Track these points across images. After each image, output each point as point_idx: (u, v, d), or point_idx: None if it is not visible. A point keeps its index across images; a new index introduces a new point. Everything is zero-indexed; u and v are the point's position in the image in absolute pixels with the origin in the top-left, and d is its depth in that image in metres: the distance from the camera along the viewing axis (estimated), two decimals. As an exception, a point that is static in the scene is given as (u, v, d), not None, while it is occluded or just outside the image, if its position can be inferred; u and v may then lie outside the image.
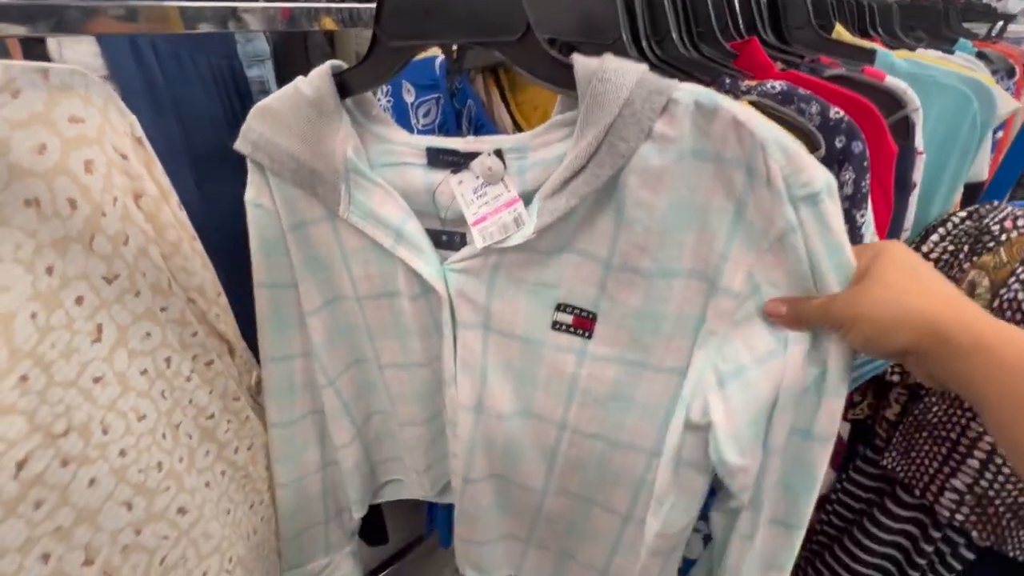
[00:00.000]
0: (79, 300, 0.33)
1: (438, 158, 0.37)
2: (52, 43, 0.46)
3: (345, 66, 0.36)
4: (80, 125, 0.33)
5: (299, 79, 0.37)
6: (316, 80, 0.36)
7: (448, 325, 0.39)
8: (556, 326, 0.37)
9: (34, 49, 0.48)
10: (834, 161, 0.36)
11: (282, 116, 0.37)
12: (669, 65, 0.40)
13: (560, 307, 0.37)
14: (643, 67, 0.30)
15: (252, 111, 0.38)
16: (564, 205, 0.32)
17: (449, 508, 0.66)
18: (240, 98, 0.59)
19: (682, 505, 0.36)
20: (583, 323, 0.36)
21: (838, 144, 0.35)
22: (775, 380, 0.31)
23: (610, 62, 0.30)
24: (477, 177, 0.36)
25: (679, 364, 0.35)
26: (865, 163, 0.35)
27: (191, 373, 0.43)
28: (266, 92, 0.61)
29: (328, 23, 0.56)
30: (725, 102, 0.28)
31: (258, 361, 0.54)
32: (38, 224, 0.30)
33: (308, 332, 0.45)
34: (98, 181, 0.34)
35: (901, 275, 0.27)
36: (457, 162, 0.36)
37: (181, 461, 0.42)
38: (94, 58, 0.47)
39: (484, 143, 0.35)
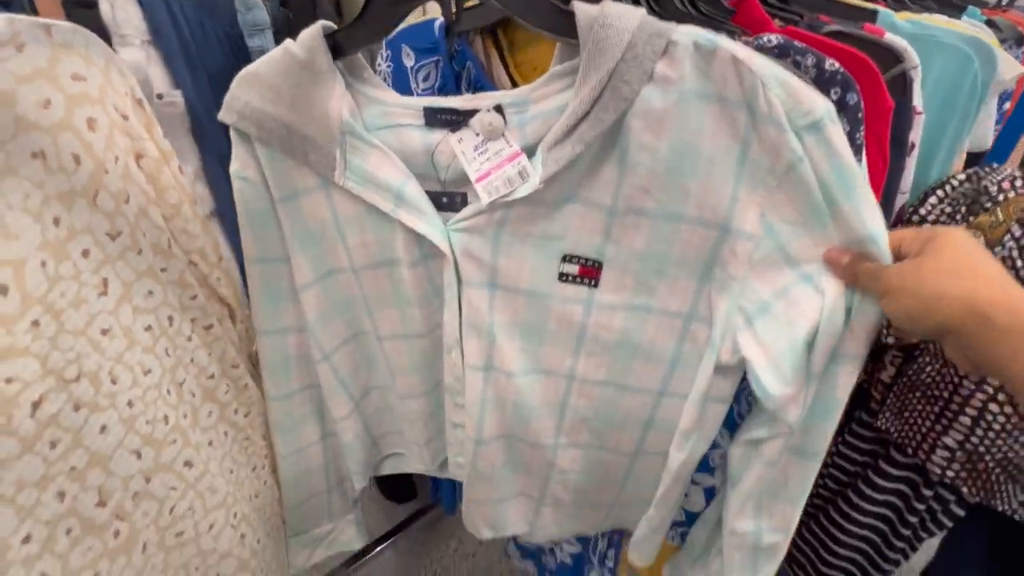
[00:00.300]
0: (85, 253, 0.35)
1: (436, 117, 0.37)
2: (104, 5, 0.47)
3: (334, 26, 0.37)
4: (82, 83, 0.35)
5: (288, 42, 0.37)
6: (307, 41, 0.35)
7: (452, 287, 0.40)
8: (563, 277, 0.38)
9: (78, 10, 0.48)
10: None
11: (270, 81, 0.36)
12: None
13: (566, 258, 0.38)
14: (642, 11, 0.31)
15: (237, 78, 0.38)
16: (570, 152, 0.32)
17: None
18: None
19: (706, 436, 0.39)
20: (589, 272, 0.37)
21: (833, 96, 0.36)
22: (801, 310, 0.32)
23: (610, 7, 0.31)
24: (477, 134, 0.36)
25: (683, 308, 0.37)
26: (860, 115, 0.36)
27: (191, 334, 0.45)
28: None
29: None
30: (724, 42, 0.29)
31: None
32: (45, 176, 0.32)
33: (301, 307, 0.46)
34: (100, 139, 0.36)
35: (953, 256, 0.28)
36: (456, 120, 0.37)
37: (186, 417, 0.44)
38: (140, 21, 0.48)
39: (483, 99, 0.36)
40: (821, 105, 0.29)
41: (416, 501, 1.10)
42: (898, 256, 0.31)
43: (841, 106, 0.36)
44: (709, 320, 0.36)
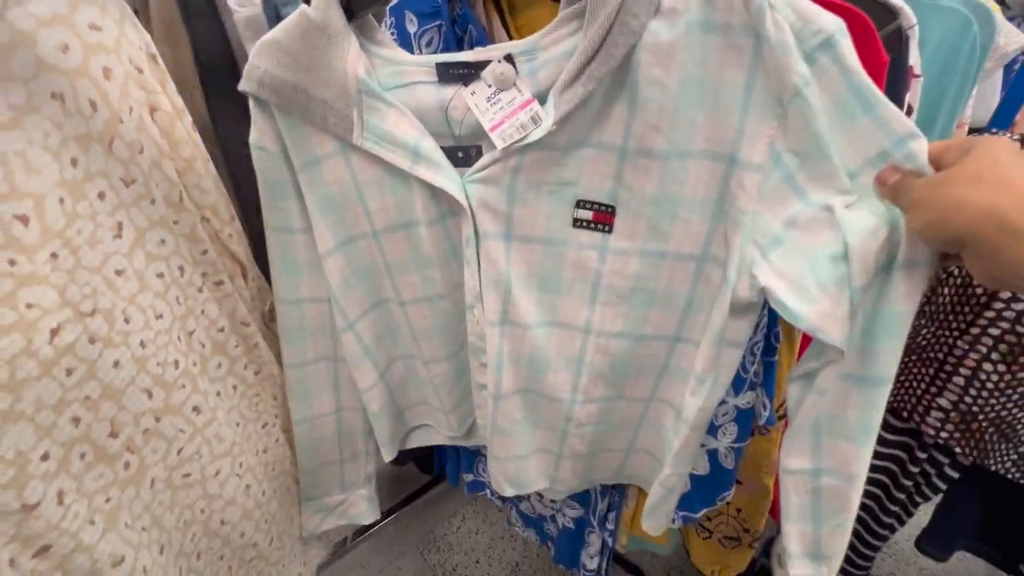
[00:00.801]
0: (101, 195, 0.36)
1: (448, 72, 0.37)
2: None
3: None
4: (98, 33, 0.36)
5: (303, 6, 0.37)
6: (321, 3, 0.36)
7: (471, 242, 0.40)
8: (577, 223, 0.38)
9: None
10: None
11: (288, 47, 0.37)
12: None
13: (580, 204, 0.38)
14: None
15: (256, 47, 0.38)
16: (581, 91, 0.33)
17: (457, 448, 0.69)
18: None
19: (722, 381, 0.39)
20: (603, 217, 0.38)
21: None
22: (816, 235, 0.31)
23: None
24: (489, 85, 0.36)
25: (696, 250, 0.37)
26: None
27: (202, 286, 0.46)
28: None
29: None
30: None
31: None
32: (63, 118, 0.33)
33: (319, 277, 0.46)
34: (115, 89, 0.37)
35: (982, 165, 0.26)
36: (468, 73, 0.37)
37: (195, 365, 0.45)
38: None
39: (494, 51, 0.36)
40: (831, 22, 0.29)
41: (419, 476, 1.12)
42: (938, 167, 0.29)
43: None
44: (722, 262, 0.37)
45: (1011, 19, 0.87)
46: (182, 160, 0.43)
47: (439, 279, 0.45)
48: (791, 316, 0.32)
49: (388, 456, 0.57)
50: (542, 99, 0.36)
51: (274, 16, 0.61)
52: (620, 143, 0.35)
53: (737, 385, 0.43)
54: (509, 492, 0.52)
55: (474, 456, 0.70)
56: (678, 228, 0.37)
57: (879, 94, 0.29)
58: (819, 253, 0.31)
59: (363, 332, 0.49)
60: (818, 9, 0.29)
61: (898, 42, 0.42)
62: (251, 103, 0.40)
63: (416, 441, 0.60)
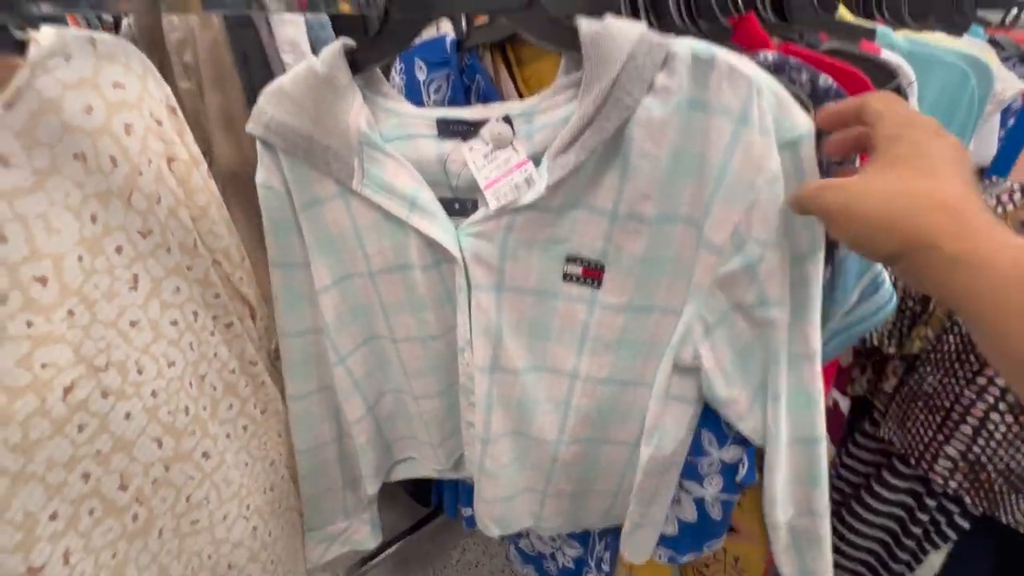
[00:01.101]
0: (119, 249, 0.36)
1: (448, 128, 0.39)
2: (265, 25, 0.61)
3: (354, 43, 0.38)
4: (122, 91, 0.37)
5: (310, 58, 0.39)
6: (328, 58, 0.37)
7: (463, 291, 0.41)
8: (567, 277, 0.40)
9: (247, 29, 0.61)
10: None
11: (295, 96, 0.38)
12: None
13: (570, 259, 0.39)
14: (642, 25, 0.32)
15: (263, 93, 0.40)
16: (574, 159, 0.34)
17: (455, 481, 0.69)
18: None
19: (671, 434, 0.40)
20: (592, 273, 0.39)
21: None
22: (755, 324, 0.34)
23: (612, 22, 0.32)
24: (487, 143, 0.37)
25: (681, 304, 0.38)
26: None
27: (214, 329, 0.46)
28: None
29: (344, 7, 0.59)
30: (721, 52, 0.31)
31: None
32: (85, 176, 0.34)
33: (319, 310, 0.47)
34: (136, 143, 0.38)
35: (902, 170, 0.25)
36: (467, 130, 0.38)
37: (205, 409, 0.45)
38: (301, 36, 0.62)
39: (492, 110, 0.38)
40: (804, 123, 0.30)
41: (419, 510, 1.10)
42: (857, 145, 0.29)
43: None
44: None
45: (1006, 59, 0.89)
46: (197, 207, 0.44)
47: (432, 321, 0.46)
48: (715, 402, 0.36)
49: (372, 488, 0.58)
50: (537, 160, 0.37)
51: None
52: (611, 207, 0.36)
53: (720, 439, 0.43)
54: (495, 533, 0.52)
55: (472, 490, 0.69)
56: (664, 285, 0.38)
57: None
58: (746, 341, 0.34)
59: (354, 367, 0.50)
60: (798, 107, 0.30)
61: (898, 100, 0.42)
62: (258, 144, 0.42)
63: (402, 474, 0.60)
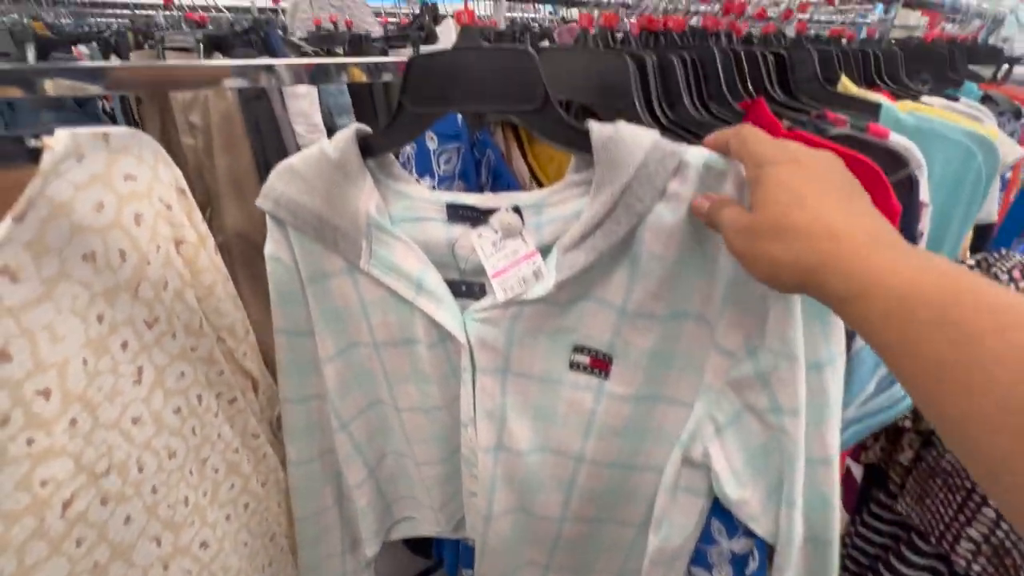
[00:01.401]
0: (124, 345, 0.35)
1: (457, 213, 0.39)
2: (278, 99, 0.65)
3: (369, 129, 0.39)
4: (133, 182, 0.36)
5: (324, 141, 0.38)
6: (341, 143, 0.38)
7: (468, 371, 0.41)
8: (574, 366, 0.39)
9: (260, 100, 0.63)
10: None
11: (307, 176, 0.38)
12: (680, 127, 0.42)
13: (577, 348, 0.38)
14: (655, 132, 0.32)
15: (275, 171, 0.40)
16: (583, 260, 0.34)
17: (456, 540, 0.67)
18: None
19: (679, 524, 0.39)
20: (599, 364, 0.38)
21: None
22: (767, 427, 0.33)
23: (624, 128, 0.32)
24: (496, 231, 0.37)
25: (691, 398, 0.37)
26: None
27: (217, 410, 0.45)
28: None
29: (356, 74, 0.60)
30: (734, 163, 0.30)
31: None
32: (93, 276, 0.33)
33: (322, 378, 0.47)
34: (145, 232, 0.37)
35: (779, 211, 0.24)
36: (476, 217, 0.38)
37: (205, 495, 0.44)
38: (313, 108, 0.65)
39: (502, 199, 0.37)
40: None
41: (419, 562, 1.07)
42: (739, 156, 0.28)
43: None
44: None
45: (1000, 114, 0.91)
46: (203, 287, 0.43)
47: (436, 393, 0.46)
48: (725, 501, 0.34)
49: (371, 550, 0.56)
50: (545, 251, 0.36)
51: (331, 126, 0.66)
52: (620, 303, 0.36)
53: (730, 529, 0.41)
54: None
55: (473, 551, 0.67)
56: (674, 377, 0.37)
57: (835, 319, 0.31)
58: (759, 443, 0.33)
59: (356, 432, 0.50)
60: None
61: (908, 186, 0.42)
62: (268, 219, 0.42)
63: (401, 533, 0.59)
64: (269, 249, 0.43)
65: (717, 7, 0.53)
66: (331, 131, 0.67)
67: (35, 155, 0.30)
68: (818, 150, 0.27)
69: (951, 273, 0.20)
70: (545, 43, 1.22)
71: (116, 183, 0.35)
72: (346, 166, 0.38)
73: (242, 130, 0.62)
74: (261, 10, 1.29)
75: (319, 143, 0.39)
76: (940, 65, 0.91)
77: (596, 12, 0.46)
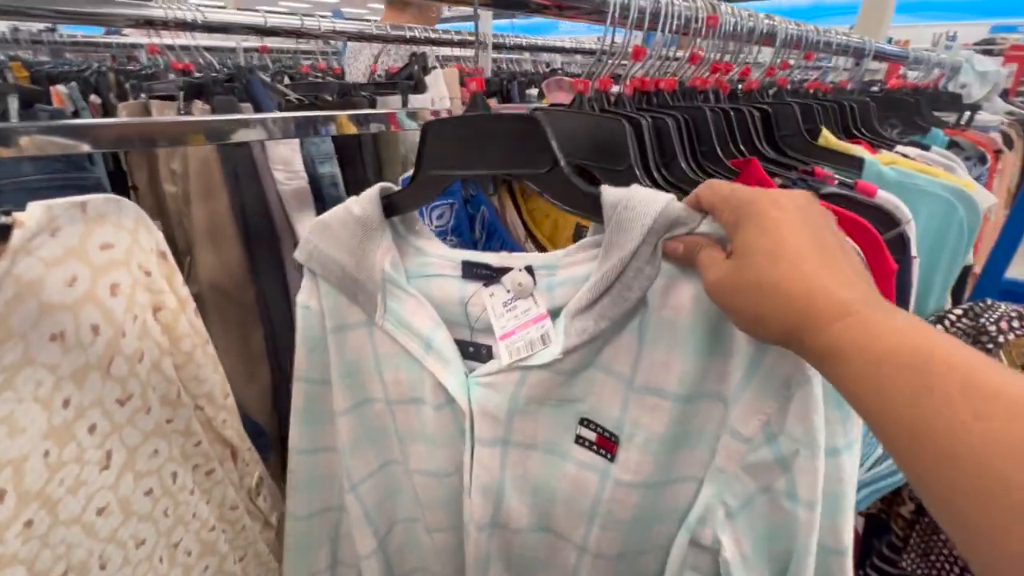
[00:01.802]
0: (92, 428, 0.32)
1: (472, 271, 0.39)
2: (257, 145, 0.62)
3: (394, 188, 0.40)
4: (110, 251, 0.34)
5: (351, 199, 0.40)
6: (365, 202, 0.39)
7: (468, 438, 0.39)
8: (579, 441, 0.37)
9: (240, 147, 0.61)
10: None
11: (334, 230, 0.40)
12: (676, 187, 0.42)
13: (584, 422, 0.37)
14: (669, 196, 0.30)
15: (311, 226, 0.41)
16: (593, 328, 0.32)
17: None
18: (319, 191, 0.68)
19: None
20: (606, 444, 0.36)
21: None
22: (781, 512, 0.31)
23: (637, 192, 0.31)
24: (508, 291, 0.37)
25: (700, 473, 0.35)
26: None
27: (193, 486, 0.42)
28: (336, 185, 0.68)
29: (345, 125, 0.59)
30: None
31: (261, 459, 0.52)
32: (61, 357, 0.30)
33: (336, 431, 0.45)
34: (121, 302, 0.35)
35: (751, 257, 0.24)
36: (490, 275, 0.38)
37: (176, 583, 0.40)
38: (294, 155, 0.63)
39: (516, 259, 0.37)
40: None
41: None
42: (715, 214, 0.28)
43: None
44: None
45: (967, 159, 0.95)
46: (182, 354, 0.41)
47: (444, 457, 0.43)
48: None
49: None
50: (555, 314, 0.35)
51: (312, 173, 0.65)
52: (628, 373, 0.34)
53: None
54: None
55: None
56: (685, 458, 0.35)
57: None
58: (769, 526, 0.32)
59: (365, 495, 0.47)
60: None
61: (901, 244, 0.43)
62: (305, 270, 0.43)
63: None
64: (301, 297, 0.43)
65: (704, 70, 0.54)
66: (312, 178, 0.64)
67: (5, 232, 0.28)
68: (794, 191, 0.27)
69: (929, 338, 0.20)
70: (533, 91, 1.25)
71: (92, 254, 0.33)
72: (367, 222, 0.39)
73: (220, 177, 0.60)
74: (247, 51, 1.29)
75: (347, 201, 0.40)
76: (908, 112, 0.96)
77: (592, 79, 0.46)
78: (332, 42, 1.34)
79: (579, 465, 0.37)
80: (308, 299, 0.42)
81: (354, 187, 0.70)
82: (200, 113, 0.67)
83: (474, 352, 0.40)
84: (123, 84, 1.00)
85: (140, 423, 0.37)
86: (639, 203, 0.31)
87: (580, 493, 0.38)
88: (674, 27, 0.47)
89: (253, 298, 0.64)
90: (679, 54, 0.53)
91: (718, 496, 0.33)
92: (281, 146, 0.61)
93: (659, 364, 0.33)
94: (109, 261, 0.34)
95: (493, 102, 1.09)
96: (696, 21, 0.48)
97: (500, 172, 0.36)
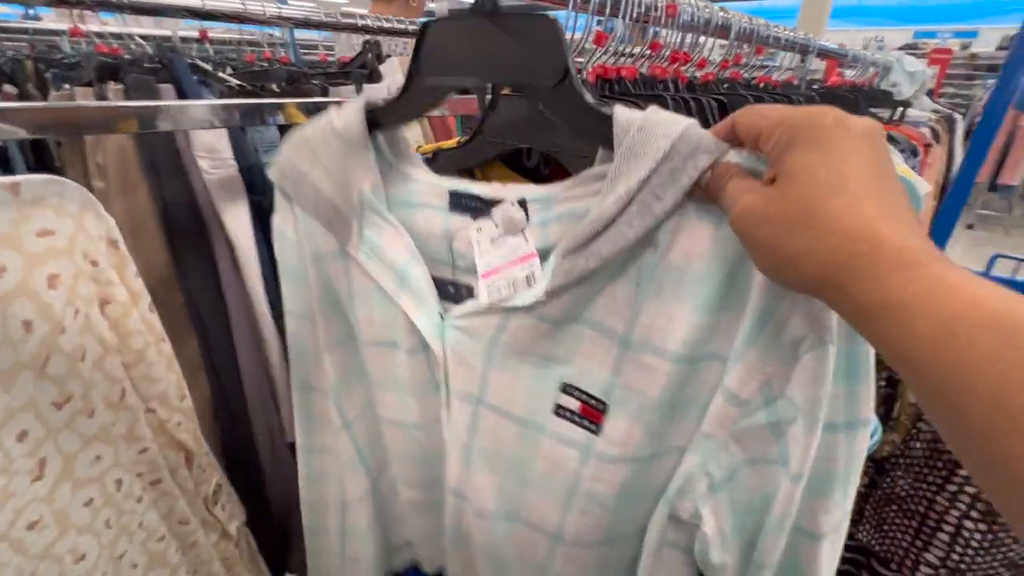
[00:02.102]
0: (21, 436, 0.29)
1: (460, 202, 0.34)
2: (181, 132, 0.54)
3: (380, 101, 0.35)
4: (49, 238, 0.31)
5: (333, 109, 0.35)
6: (347, 113, 0.34)
7: (443, 388, 0.35)
8: (559, 411, 0.33)
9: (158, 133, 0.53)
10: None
11: (312, 145, 0.35)
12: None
13: (566, 388, 0.32)
14: (691, 121, 0.25)
15: (288, 139, 0.36)
16: (582, 266, 0.28)
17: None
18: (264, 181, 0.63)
19: None
20: (591, 413, 0.32)
21: None
22: (766, 484, 0.29)
23: (656, 114, 0.26)
24: (496, 226, 0.32)
25: (685, 443, 0.31)
26: None
27: (141, 494, 0.38)
28: None
29: (294, 114, 0.54)
30: None
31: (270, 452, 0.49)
32: (-15, 356, 0.27)
33: (324, 368, 0.41)
34: (61, 295, 0.32)
35: (804, 184, 0.20)
36: (478, 208, 0.33)
37: (123, 601, 0.36)
38: (221, 142, 0.56)
39: (509, 191, 0.32)
40: None
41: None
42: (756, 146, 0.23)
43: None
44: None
45: (902, 151, 1.01)
46: (132, 352, 0.37)
47: (415, 407, 0.39)
48: (705, 565, 0.31)
49: None
50: (546, 255, 0.31)
51: (246, 167, 0.59)
52: (622, 330, 0.29)
53: None
54: None
55: None
56: (675, 427, 0.31)
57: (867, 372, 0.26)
58: (751, 503, 0.29)
59: (359, 433, 0.44)
60: None
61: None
62: (276, 190, 0.38)
63: (403, 561, 0.51)
64: (276, 222, 0.39)
65: (663, 59, 0.55)
66: (256, 167, 0.58)
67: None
68: (862, 117, 0.22)
69: (1010, 300, 0.17)
70: None
71: (26, 242, 0.30)
72: (348, 137, 0.34)
73: (138, 169, 0.54)
74: (185, 40, 1.19)
75: (329, 110, 0.35)
76: (848, 107, 1.02)
77: None
78: (280, 32, 1.25)
79: (557, 440, 0.33)
80: (282, 224, 0.38)
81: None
82: (113, 95, 0.59)
83: (454, 293, 0.35)
84: (43, 73, 0.86)
85: (81, 427, 0.33)
86: (655, 125, 0.26)
87: (557, 474, 0.34)
88: (635, 15, 0.46)
89: (182, 301, 0.56)
90: (636, 50, 0.54)
91: (702, 466, 0.30)
92: (204, 132, 0.54)
93: (660, 318, 0.28)
94: (48, 250, 0.31)
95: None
96: (656, 9, 0.48)
97: (502, 80, 0.32)
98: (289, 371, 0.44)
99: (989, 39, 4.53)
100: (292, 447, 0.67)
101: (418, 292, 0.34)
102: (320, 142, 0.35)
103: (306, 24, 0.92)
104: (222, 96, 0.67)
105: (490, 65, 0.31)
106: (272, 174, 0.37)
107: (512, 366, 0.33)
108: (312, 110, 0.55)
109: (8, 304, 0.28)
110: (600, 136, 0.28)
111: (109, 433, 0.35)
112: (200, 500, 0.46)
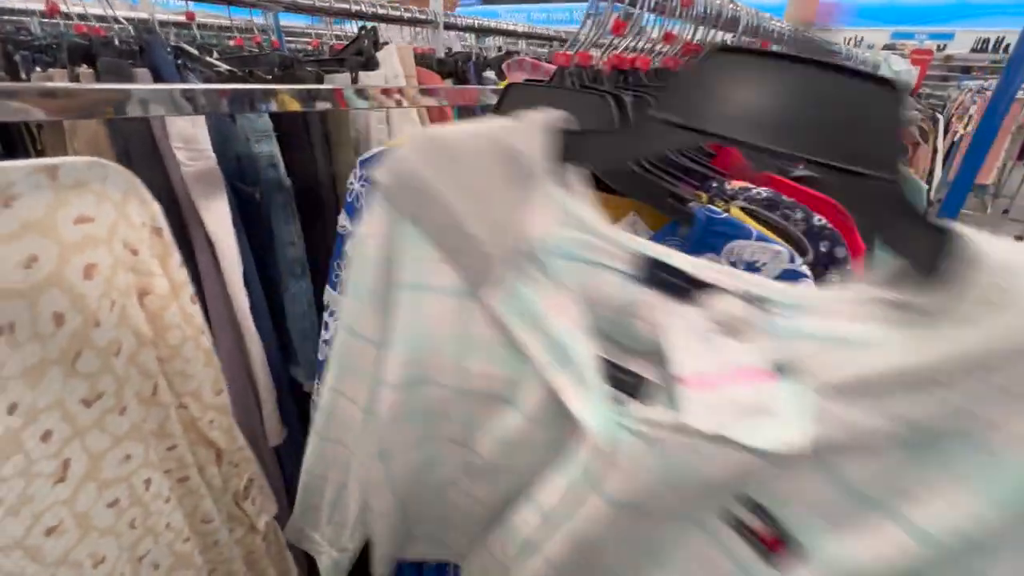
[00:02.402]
0: (46, 436, 0.27)
1: (655, 275, 0.26)
2: (157, 120, 0.49)
3: (572, 122, 0.27)
4: (88, 225, 0.28)
5: (501, 123, 0.27)
6: (525, 131, 0.26)
7: (583, 482, 0.27)
8: (728, 519, 0.24)
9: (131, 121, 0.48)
10: (819, 264, 0.34)
11: (458, 155, 0.27)
12: (662, 168, 0.37)
13: (746, 501, 0.24)
14: None
15: (419, 142, 0.28)
16: (866, 423, 0.20)
17: (419, 564, 0.54)
18: (256, 172, 0.58)
19: None
20: (772, 543, 0.23)
21: (822, 249, 0.33)
22: None
23: (1011, 252, 0.19)
24: (711, 320, 0.24)
25: None
26: (848, 267, 0.33)
27: (169, 494, 0.36)
28: (275, 166, 0.57)
29: (288, 102, 0.49)
30: None
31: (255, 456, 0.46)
32: (8, 354, 0.24)
33: (366, 385, 0.35)
34: (98, 286, 0.29)
35: None
36: (680, 288, 0.25)
37: (140, 603, 0.34)
38: (200, 132, 0.51)
39: (730, 277, 0.24)
40: None
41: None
42: None
43: (831, 259, 0.33)
44: None
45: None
46: (168, 347, 0.35)
47: (505, 474, 0.32)
48: None
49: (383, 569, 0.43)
50: (782, 370, 0.22)
51: (235, 157, 0.55)
52: (859, 483, 0.21)
53: None
54: None
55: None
56: None
57: None
58: None
59: (393, 466, 0.36)
60: None
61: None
62: (379, 195, 0.29)
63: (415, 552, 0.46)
64: (363, 234, 0.31)
65: (679, 48, 0.54)
66: (247, 157, 0.53)
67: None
68: None
69: None
70: (490, 74, 1.09)
71: (62, 229, 0.27)
72: (522, 163, 0.26)
73: (111, 158, 0.49)
74: (163, 23, 1.02)
75: (494, 121, 0.27)
76: None
77: (572, 52, 0.43)
78: (262, 17, 1.17)
79: (713, 541, 0.25)
80: (370, 239, 0.30)
81: (299, 172, 0.59)
82: (85, 79, 0.54)
83: (617, 380, 0.28)
84: (12, 56, 0.79)
85: (111, 426, 0.31)
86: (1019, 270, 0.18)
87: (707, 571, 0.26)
88: (653, 4, 0.45)
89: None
90: (653, 35, 0.52)
91: None
92: (181, 120, 0.48)
93: (920, 488, 0.20)
94: (85, 238, 0.28)
95: (449, 83, 0.97)
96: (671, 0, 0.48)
97: (792, 152, 0.22)
98: (299, 366, 0.39)
99: (964, 41, 4.56)
100: (276, 451, 0.63)
101: (581, 376, 0.26)
102: (471, 157, 0.27)
103: (294, 8, 0.84)
104: (208, 82, 0.62)
105: (776, 126, 0.22)
106: (383, 176, 0.29)
107: (688, 482, 0.24)
108: (306, 97, 0.49)
109: (38, 297, 0.25)
110: (923, 255, 0.20)
111: (140, 430, 0.33)
112: (228, 496, 0.44)
